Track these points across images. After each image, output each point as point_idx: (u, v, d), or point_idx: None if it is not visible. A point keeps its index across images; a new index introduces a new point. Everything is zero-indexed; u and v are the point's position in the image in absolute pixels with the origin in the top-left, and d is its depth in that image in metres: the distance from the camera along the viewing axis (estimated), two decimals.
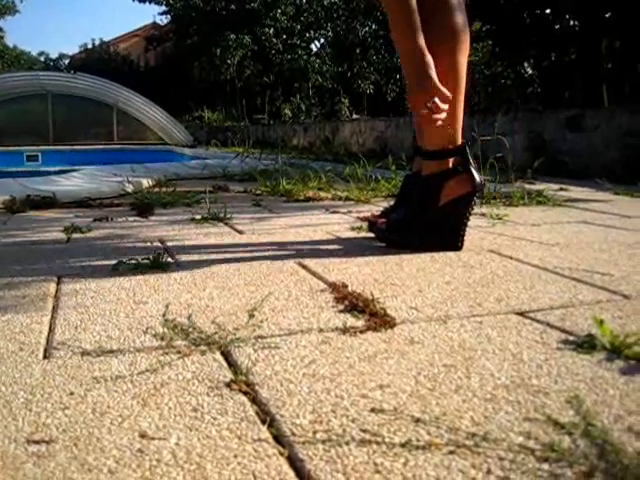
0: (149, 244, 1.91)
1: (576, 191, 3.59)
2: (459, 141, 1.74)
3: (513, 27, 6.99)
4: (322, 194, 3.28)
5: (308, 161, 6.09)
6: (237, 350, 0.96)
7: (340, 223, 2.30)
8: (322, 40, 20.60)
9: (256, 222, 2.38)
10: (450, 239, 1.76)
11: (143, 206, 2.74)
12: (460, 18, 1.68)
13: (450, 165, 1.73)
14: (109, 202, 3.02)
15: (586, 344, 0.97)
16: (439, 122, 1.62)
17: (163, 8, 21.59)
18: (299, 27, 19.63)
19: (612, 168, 4.74)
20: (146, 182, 3.81)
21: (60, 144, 13.01)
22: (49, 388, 0.83)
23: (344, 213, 2.59)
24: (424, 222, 1.76)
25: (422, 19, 1.61)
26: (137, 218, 2.53)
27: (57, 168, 9.75)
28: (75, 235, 2.11)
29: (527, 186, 3.48)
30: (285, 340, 1.00)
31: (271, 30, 19.18)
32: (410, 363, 0.90)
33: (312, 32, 20.24)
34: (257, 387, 0.82)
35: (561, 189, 3.55)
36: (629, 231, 2.16)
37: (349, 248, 1.82)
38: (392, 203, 2.75)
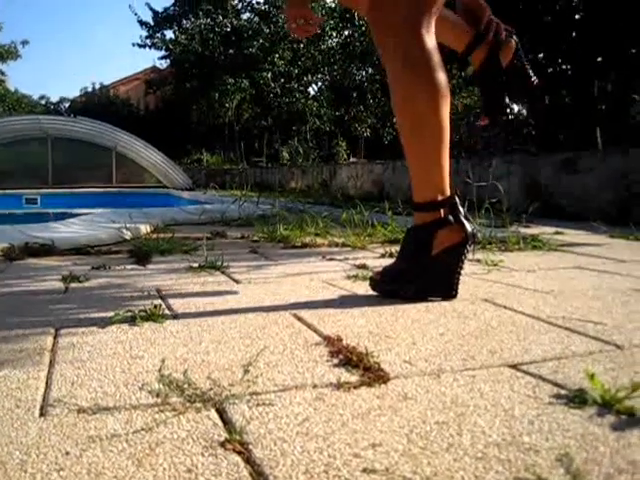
0: (146, 294, 1.92)
1: (571, 235, 3.61)
2: (448, 192, 1.77)
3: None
4: (319, 240, 3.31)
5: (305, 205, 6.12)
6: (232, 407, 0.96)
7: (336, 271, 2.31)
8: (319, 84, 20.86)
9: (253, 270, 2.40)
10: (444, 288, 1.77)
11: (141, 254, 2.76)
12: (442, 72, 1.71)
13: (442, 215, 1.75)
14: (107, 249, 3.03)
15: (577, 398, 0.98)
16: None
17: (163, 53, 21.93)
18: (297, 71, 19.89)
19: (607, 210, 4.78)
20: (144, 228, 3.84)
21: (59, 187, 13.10)
22: (45, 448, 0.83)
23: (340, 260, 2.61)
24: (417, 272, 1.77)
25: None
26: (135, 266, 2.54)
27: (56, 211, 9.82)
28: (73, 284, 2.12)
29: (523, 230, 3.50)
30: (279, 396, 1.01)
31: (269, 74, 19.43)
32: (403, 420, 0.91)
33: (309, 76, 20.51)
34: (251, 446, 0.83)
35: (557, 233, 3.58)
36: (623, 276, 2.18)
37: (344, 298, 1.84)
38: (388, 249, 2.79)
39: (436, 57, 1.69)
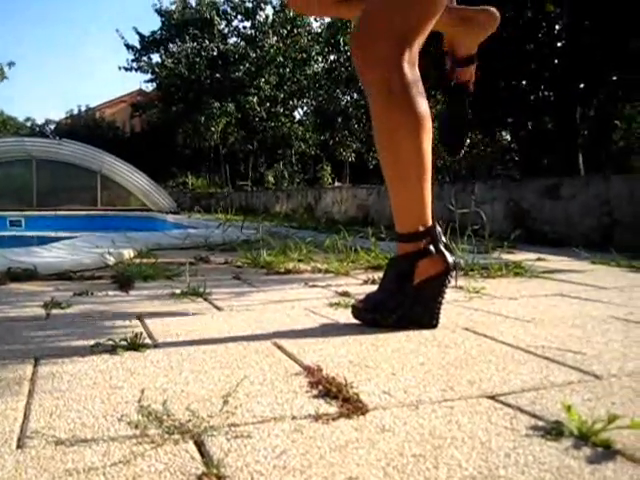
0: (128, 321, 1.91)
1: (554, 261, 3.64)
2: (429, 222, 1.78)
3: (489, 97, 7.17)
4: (302, 266, 3.31)
5: (290, 230, 6.14)
6: (210, 439, 0.96)
7: (318, 298, 2.32)
8: (305, 108, 20.99)
9: (235, 297, 2.40)
10: (425, 318, 1.78)
11: (124, 279, 2.75)
12: (424, 105, 1.73)
13: (422, 246, 1.77)
14: (90, 275, 3.02)
15: (554, 430, 0.98)
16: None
17: (149, 76, 22.02)
18: (282, 95, 20.03)
19: (590, 236, 4.82)
20: (127, 253, 3.83)
21: (44, 209, 13.07)
22: None
23: (323, 287, 2.61)
24: (399, 301, 1.78)
25: None
26: (117, 292, 2.54)
27: (40, 234, 9.78)
28: (54, 311, 2.11)
29: (505, 256, 3.53)
30: (258, 428, 1.01)
31: (255, 98, 19.54)
32: (380, 453, 0.91)
33: (295, 100, 20.65)
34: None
35: (539, 259, 3.60)
36: (604, 304, 2.19)
37: (326, 326, 1.84)
38: (371, 275, 2.80)
39: (417, 89, 1.70)
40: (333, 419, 1.04)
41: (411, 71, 1.70)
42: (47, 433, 1.00)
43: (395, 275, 1.82)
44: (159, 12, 21.88)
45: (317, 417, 1.05)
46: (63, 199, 14.01)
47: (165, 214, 12.20)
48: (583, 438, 0.95)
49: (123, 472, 0.86)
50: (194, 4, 21.64)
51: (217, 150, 19.87)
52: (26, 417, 1.08)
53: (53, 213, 12.59)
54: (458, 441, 0.95)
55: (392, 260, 1.89)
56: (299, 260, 3.51)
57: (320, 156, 18.67)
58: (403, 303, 1.78)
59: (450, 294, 2.43)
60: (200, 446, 0.94)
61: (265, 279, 2.96)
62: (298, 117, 21.36)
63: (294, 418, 1.06)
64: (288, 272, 3.16)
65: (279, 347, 1.56)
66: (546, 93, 8.14)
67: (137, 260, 3.63)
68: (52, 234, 8.89)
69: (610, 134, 10.12)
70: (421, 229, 1.77)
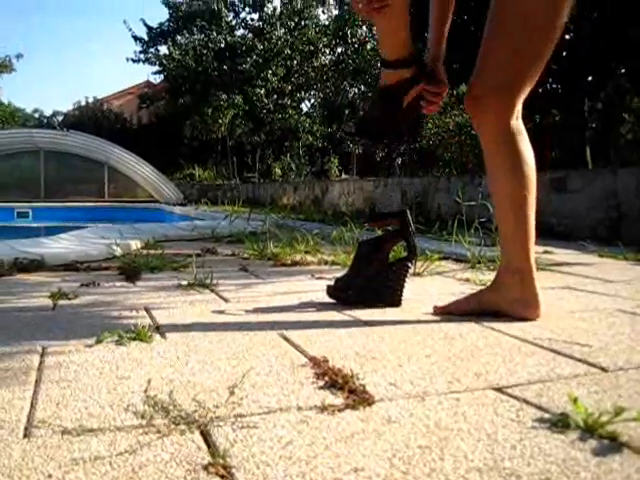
0: (135, 312, 1.92)
1: (561, 254, 3.63)
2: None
3: None
4: (309, 258, 3.31)
5: (297, 222, 6.14)
6: (216, 430, 0.97)
7: (325, 290, 2.31)
8: (312, 100, 20.96)
9: (242, 289, 2.40)
10: (390, 298, 2.00)
11: (130, 270, 2.76)
12: (525, 154, 1.82)
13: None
14: (97, 265, 3.03)
15: (560, 422, 0.98)
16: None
17: (157, 68, 22.00)
18: (290, 87, 19.99)
19: (597, 229, 4.81)
20: (134, 244, 3.83)
21: (51, 200, 13.10)
22: (27, 470, 0.83)
23: (329, 279, 2.60)
24: (364, 281, 2.02)
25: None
26: (124, 283, 2.54)
27: (48, 225, 9.82)
28: (61, 302, 2.12)
29: None
30: (264, 419, 1.01)
31: (262, 90, 19.51)
32: (386, 444, 0.91)
33: (302, 92, 20.61)
34: (234, 470, 0.83)
35: (545, 252, 3.59)
36: (610, 297, 2.19)
37: (332, 318, 1.84)
38: None
39: (521, 138, 1.83)
40: (339, 410, 1.04)
41: (516, 123, 1.80)
42: (54, 422, 1.00)
43: (360, 256, 2.07)
44: (167, 4, 21.87)
45: (323, 408, 1.05)
46: (70, 190, 14.05)
47: (172, 206, 12.22)
48: (589, 430, 0.95)
49: (129, 462, 0.86)
50: None
51: (224, 142, 19.85)
52: (33, 406, 1.08)
53: (60, 204, 12.62)
54: (464, 433, 0.95)
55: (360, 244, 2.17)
56: (306, 252, 3.51)
57: (327, 148, 18.65)
58: (367, 283, 2.02)
59: (457, 286, 2.44)
60: (206, 436, 0.94)
61: (272, 271, 2.96)
62: (305, 109, 21.35)
63: (300, 409, 1.06)
64: (295, 264, 3.16)
65: (285, 338, 1.56)
66: (554, 86, 8.11)
67: (144, 251, 3.63)
68: (59, 225, 8.93)
69: (618, 127, 10.07)
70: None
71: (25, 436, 0.96)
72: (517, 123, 1.80)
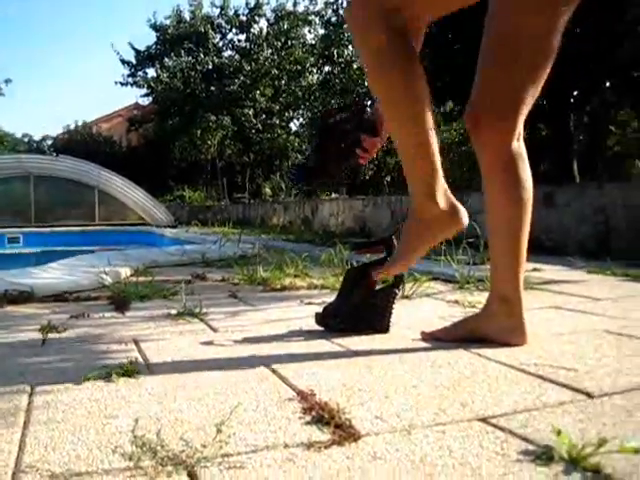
0: (124, 346, 1.92)
1: (550, 271, 3.65)
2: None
3: None
4: (298, 282, 3.32)
5: (287, 243, 6.15)
6: (203, 471, 0.97)
7: (313, 317, 2.32)
8: (300, 119, 21.03)
9: (230, 318, 2.40)
10: (379, 324, 2.01)
11: (120, 300, 2.76)
12: (525, 176, 1.80)
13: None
14: (87, 295, 3.02)
15: (544, 455, 0.99)
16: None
17: (145, 90, 22.05)
18: (278, 107, 20.07)
19: (586, 244, 4.84)
20: (124, 272, 3.83)
21: (42, 226, 13.06)
22: None
23: (318, 304, 2.61)
24: (352, 308, 2.04)
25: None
26: (114, 314, 2.54)
27: (39, 250, 9.80)
28: (51, 335, 2.11)
29: None
30: (250, 458, 1.02)
31: (250, 110, 19.59)
32: None
33: (291, 112, 20.68)
34: None
35: (534, 269, 3.61)
36: (598, 317, 2.21)
37: (320, 347, 1.85)
38: None
39: (520, 160, 1.80)
40: (325, 447, 1.05)
41: (518, 145, 1.78)
42: (41, 467, 1.01)
43: (346, 283, 2.10)
44: (154, 27, 21.94)
45: (309, 445, 1.06)
46: (61, 215, 14.01)
47: (163, 228, 12.20)
48: (573, 462, 0.96)
49: None
50: (188, 18, 21.70)
51: (214, 163, 19.89)
52: (21, 450, 1.08)
53: (51, 229, 12.59)
54: (449, 468, 0.96)
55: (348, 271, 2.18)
56: (295, 276, 3.52)
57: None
58: (355, 310, 2.04)
59: (446, 309, 2.45)
60: (193, 478, 0.95)
61: (261, 296, 2.96)
62: (294, 128, 21.41)
63: (287, 446, 1.06)
64: (284, 289, 3.16)
65: (273, 371, 1.56)
66: (540, 102, 8.17)
67: (134, 278, 3.63)
68: (51, 249, 8.92)
69: (605, 140, 10.15)
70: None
71: None
72: (519, 145, 1.79)
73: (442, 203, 1.74)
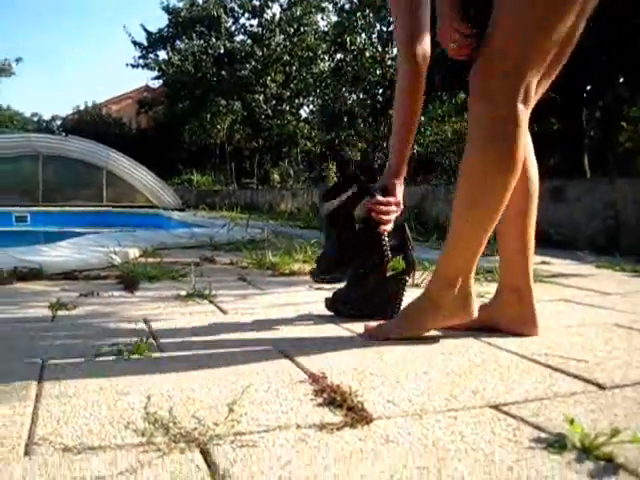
0: (134, 325, 1.92)
1: (559, 264, 3.64)
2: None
3: None
4: (307, 268, 3.31)
5: (295, 229, 6.14)
6: (216, 449, 0.97)
7: (322, 301, 2.32)
8: (311, 106, 20.97)
9: (240, 300, 2.41)
10: (389, 311, 1.99)
11: (129, 280, 2.76)
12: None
13: None
14: (96, 274, 3.03)
15: (557, 443, 0.99)
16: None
17: (156, 73, 22.01)
18: (288, 93, 20.00)
19: (596, 239, 4.82)
20: (132, 253, 3.84)
21: (49, 205, 13.07)
22: None
23: (328, 290, 2.61)
24: (362, 294, 2.04)
25: None
26: (123, 293, 2.55)
27: (46, 229, 9.81)
28: (60, 312, 2.12)
29: None
30: (263, 437, 1.02)
31: (261, 96, 19.52)
32: (384, 465, 0.92)
33: (301, 98, 20.61)
34: None
35: (543, 262, 3.60)
36: (607, 310, 2.20)
37: (330, 332, 1.85)
38: None
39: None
40: (338, 429, 1.05)
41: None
42: (54, 440, 1.01)
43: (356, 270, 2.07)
44: (167, 10, 21.89)
45: (322, 426, 1.06)
46: (69, 195, 14.01)
47: (170, 211, 12.20)
48: (586, 451, 0.96)
49: None
50: (201, 2, 21.63)
51: (223, 147, 19.86)
52: (34, 422, 1.09)
53: (59, 209, 12.60)
54: (461, 453, 0.96)
55: None
56: (304, 261, 3.51)
57: (325, 155, 18.64)
58: (364, 296, 2.04)
59: None
60: (206, 455, 0.95)
61: (270, 281, 2.97)
62: (304, 115, 21.35)
63: (299, 427, 1.06)
64: (293, 274, 3.16)
65: (284, 353, 1.56)
66: (552, 95, 8.13)
67: (142, 259, 3.64)
68: (58, 230, 8.93)
69: (617, 136, 10.10)
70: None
71: (26, 454, 0.96)
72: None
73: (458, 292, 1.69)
